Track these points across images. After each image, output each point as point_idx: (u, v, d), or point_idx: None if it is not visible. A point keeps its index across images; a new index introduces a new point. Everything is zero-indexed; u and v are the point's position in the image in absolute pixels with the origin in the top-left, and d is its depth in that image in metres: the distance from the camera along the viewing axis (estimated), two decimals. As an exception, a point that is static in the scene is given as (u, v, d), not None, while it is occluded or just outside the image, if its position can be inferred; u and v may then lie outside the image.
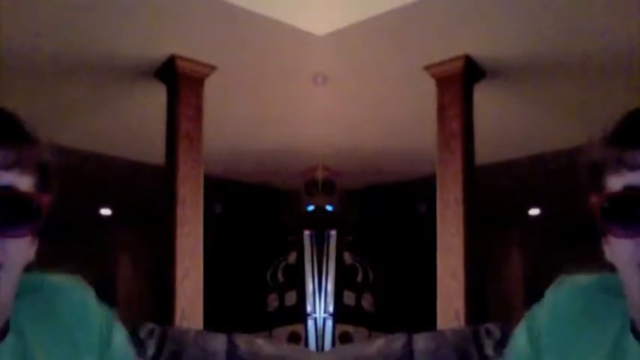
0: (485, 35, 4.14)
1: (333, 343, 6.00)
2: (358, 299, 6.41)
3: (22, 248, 0.87)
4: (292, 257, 6.43)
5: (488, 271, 7.81)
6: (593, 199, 0.89)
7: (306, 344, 5.93)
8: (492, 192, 6.54)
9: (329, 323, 6.08)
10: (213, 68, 4.44)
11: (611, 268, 0.91)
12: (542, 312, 0.98)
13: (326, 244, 6.33)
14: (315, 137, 5.69)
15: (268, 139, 5.87)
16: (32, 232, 0.88)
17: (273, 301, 6.43)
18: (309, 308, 6.12)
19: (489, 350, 0.82)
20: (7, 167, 0.84)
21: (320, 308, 6.11)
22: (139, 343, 0.81)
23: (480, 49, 4.26)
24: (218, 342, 0.88)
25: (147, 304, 7.40)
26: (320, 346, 5.97)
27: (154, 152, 4.78)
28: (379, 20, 3.95)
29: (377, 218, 7.28)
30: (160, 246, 4.41)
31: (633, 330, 0.92)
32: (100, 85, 4.71)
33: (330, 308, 6.13)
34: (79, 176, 6.61)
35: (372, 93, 4.98)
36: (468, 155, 4.33)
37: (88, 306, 0.97)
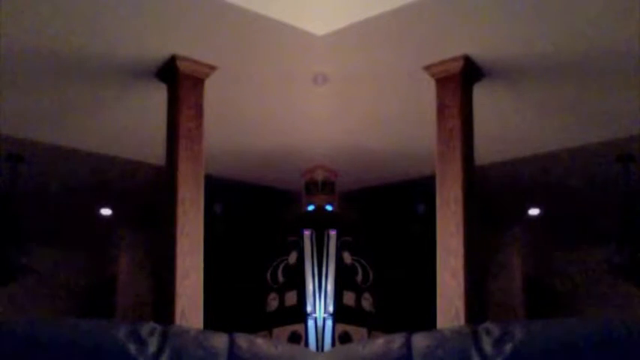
0: (485, 35, 4.15)
1: (333, 343, 6.00)
2: (358, 299, 6.41)
3: None
4: (292, 257, 6.43)
5: (488, 271, 7.81)
6: None
7: (306, 344, 5.92)
8: (492, 192, 6.55)
9: (329, 323, 6.08)
10: (213, 68, 4.44)
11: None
12: None
13: (326, 244, 6.33)
14: (315, 137, 5.69)
15: (268, 139, 5.88)
16: None
17: (273, 301, 6.42)
18: (309, 308, 6.12)
19: (488, 349, 0.83)
20: None
21: (320, 308, 6.11)
22: (140, 342, 0.81)
23: (479, 49, 4.27)
24: (219, 341, 0.89)
25: (147, 304, 7.40)
26: (320, 346, 5.97)
27: (154, 152, 4.79)
28: (379, 20, 3.95)
29: (376, 218, 7.28)
30: (159, 246, 4.41)
31: None
32: (100, 85, 4.72)
33: (330, 308, 6.13)
34: (79, 176, 6.62)
35: (371, 93, 4.98)
36: (467, 155, 4.33)
37: None
